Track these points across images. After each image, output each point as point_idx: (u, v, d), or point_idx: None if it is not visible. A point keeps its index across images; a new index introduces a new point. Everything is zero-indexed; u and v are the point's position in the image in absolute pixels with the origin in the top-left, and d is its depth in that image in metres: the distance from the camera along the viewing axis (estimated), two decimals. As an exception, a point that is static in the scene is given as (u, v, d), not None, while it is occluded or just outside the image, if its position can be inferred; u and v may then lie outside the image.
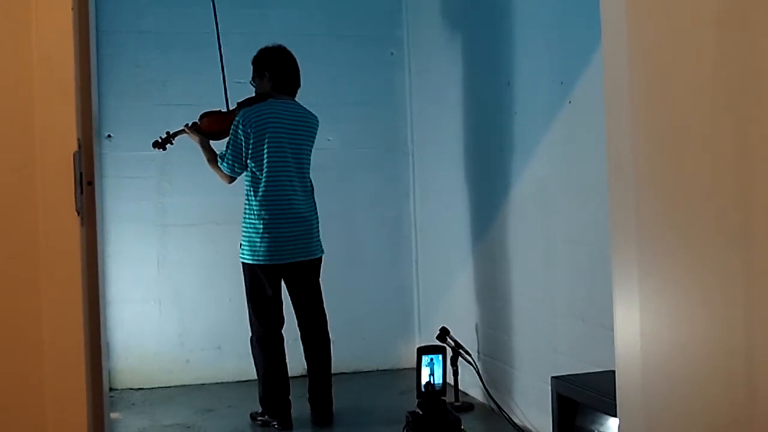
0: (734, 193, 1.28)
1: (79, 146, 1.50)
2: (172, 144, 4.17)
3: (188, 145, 4.23)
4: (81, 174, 1.50)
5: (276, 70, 3.99)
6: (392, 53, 5.40)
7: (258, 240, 3.85)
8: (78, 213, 1.49)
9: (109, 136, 4.86)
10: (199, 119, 4.11)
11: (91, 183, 1.54)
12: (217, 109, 4.11)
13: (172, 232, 5.00)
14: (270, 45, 4.05)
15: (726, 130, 1.29)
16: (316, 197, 4.07)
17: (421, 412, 3.19)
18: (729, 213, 1.29)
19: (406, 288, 5.38)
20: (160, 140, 4.14)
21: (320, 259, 4.05)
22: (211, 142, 4.11)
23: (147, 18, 4.99)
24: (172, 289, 4.99)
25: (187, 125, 4.10)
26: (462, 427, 3.20)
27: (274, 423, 3.94)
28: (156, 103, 4.97)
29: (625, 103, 1.52)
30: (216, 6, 4.56)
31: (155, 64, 4.98)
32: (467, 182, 4.54)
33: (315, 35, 5.07)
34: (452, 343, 4.10)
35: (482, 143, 4.35)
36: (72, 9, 1.49)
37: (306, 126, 4.01)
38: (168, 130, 4.15)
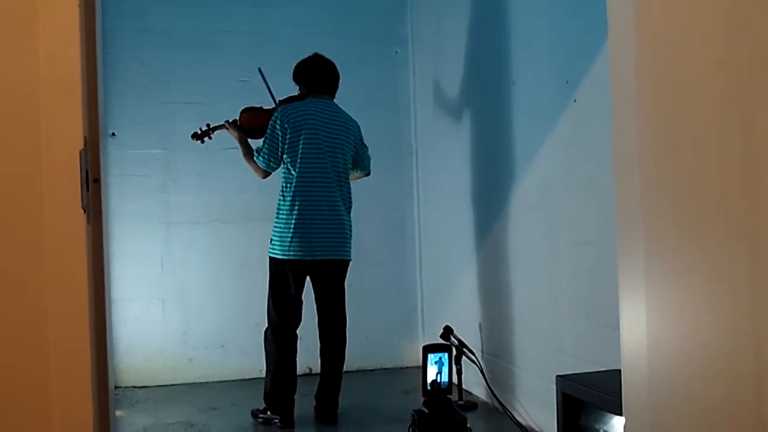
0: (741, 192, 1.28)
1: (86, 143, 1.50)
2: (210, 138, 4.18)
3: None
4: (87, 171, 1.49)
5: (309, 77, 4.04)
6: (396, 52, 5.40)
7: (289, 236, 3.86)
8: (84, 210, 1.48)
9: (113, 134, 4.86)
10: (240, 114, 4.12)
11: (97, 180, 1.54)
12: (258, 105, 4.12)
13: (176, 231, 5.01)
14: (306, 57, 4.08)
15: (734, 128, 1.28)
16: None
17: (426, 411, 3.18)
18: (735, 212, 1.29)
19: (410, 287, 5.38)
20: (199, 131, 4.15)
21: (348, 262, 4.05)
22: (249, 139, 4.11)
23: (151, 16, 4.99)
24: (175, 287, 5.00)
25: (227, 121, 4.12)
26: (468, 425, 3.19)
27: (276, 420, 3.94)
28: (160, 101, 4.98)
29: (632, 102, 1.52)
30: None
31: (159, 63, 4.98)
32: (471, 181, 4.53)
33: (319, 34, 5.07)
34: (456, 342, 4.10)
35: (487, 142, 4.35)
36: (78, 6, 1.49)
37: (343, 127, 4.03)
38: (208, 122, 4.15)
